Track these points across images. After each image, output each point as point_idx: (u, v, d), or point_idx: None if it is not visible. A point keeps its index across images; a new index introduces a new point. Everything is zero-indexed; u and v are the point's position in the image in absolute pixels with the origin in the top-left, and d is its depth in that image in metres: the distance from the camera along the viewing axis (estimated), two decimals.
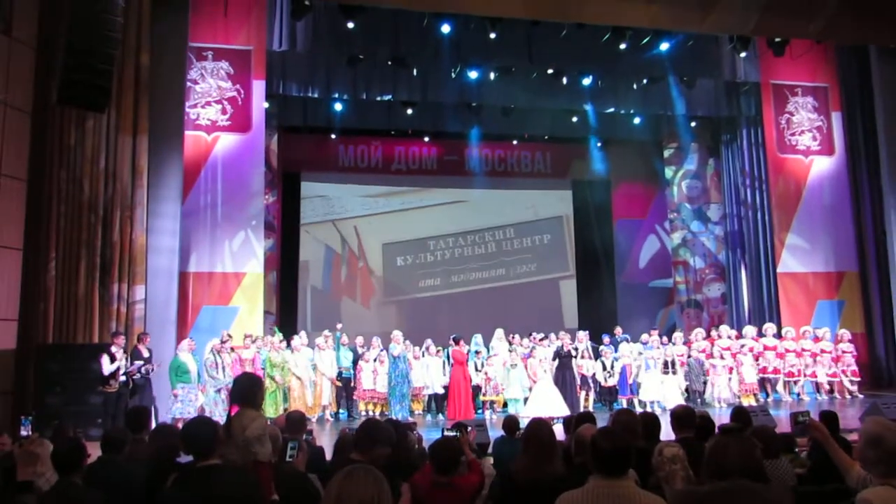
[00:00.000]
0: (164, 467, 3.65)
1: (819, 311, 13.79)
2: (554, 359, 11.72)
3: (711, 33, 12.70)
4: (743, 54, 13.36)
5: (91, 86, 7.50)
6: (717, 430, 4.01)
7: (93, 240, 10.00)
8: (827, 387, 12.69)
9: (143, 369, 9.46)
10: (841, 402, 12.23)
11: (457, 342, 11.90)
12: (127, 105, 10.35)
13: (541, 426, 3.97)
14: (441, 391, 11.76)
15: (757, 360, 12.55)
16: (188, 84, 11.54)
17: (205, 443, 3.02)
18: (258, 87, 12.18)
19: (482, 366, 11.77)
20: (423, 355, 11.89)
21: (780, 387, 12.68)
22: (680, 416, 4.63)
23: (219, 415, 9.90)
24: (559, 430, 5.29)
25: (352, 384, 11.69)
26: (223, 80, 12.02)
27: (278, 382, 10.91)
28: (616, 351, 12.41)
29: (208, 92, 11.96)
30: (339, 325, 12.26)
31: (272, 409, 10.52)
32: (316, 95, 13.56)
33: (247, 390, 3.91)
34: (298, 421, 5.02)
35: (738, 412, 5.17)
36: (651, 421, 4.76)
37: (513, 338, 12.51)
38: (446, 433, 4.58)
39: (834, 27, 11.77)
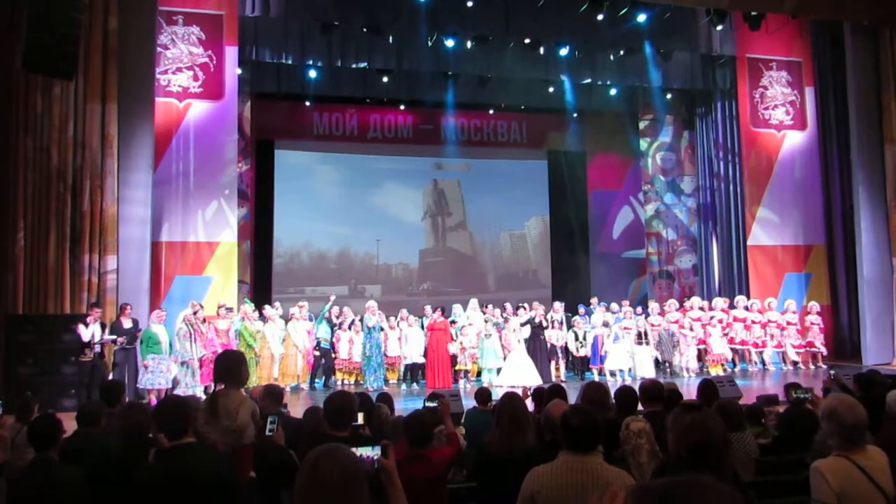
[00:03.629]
0: (135, 444, 3.65)
1: (787, 284, 14.08)
2: (525, 323, 11.85)
3: (688, 6, 12.70)
4: (719, 28, 13.38)
5: (57, 52, 7.32)
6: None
7: (62, 209, 9.84)
8: (792, 357, 13.01)
9: (117, 341, 9.39)
10: (805, 372, 12.55)
11: (434, 311, 12.00)
12: (95, 71, 10.12)
13: (513, 400, 4.03)
14: (420, 360, 11.84)
15: (725, 331, 12.80)
16: (158, 49, 11.30)
17: (177, 422, 3.03)
18: (230, 54, 11.96)
19: (457, 335, 11.89)
20: (399, 325, 11.94)
21: (748, 357, 12.96)
22: (648, 390, 4.72)
23: (185, 384, 9.91)
24: (531, 403, 5.38)
25: (332, 354, 11.72)
26: (194, 46, 11.77)
27: (255, 352, 10.90)
28: (590, 321, 12.59)
29: (179, 58, 11.72)
30: (331, 297, 12.10)
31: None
32: (290, 62, 13.34)
33: (230, 369, 3.90)
34: (276, 394, 5.05)
35: (705, 385, 5.28)
36: (629, 394, 4.80)
37: (486, 308, 12.63)
38: (427, 405, 4.63)
39: (808, 3, 11.82)
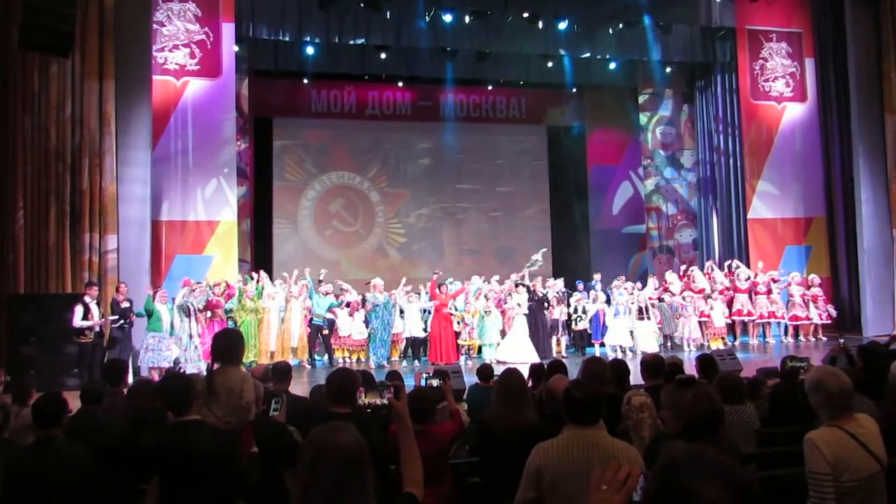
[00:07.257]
0: (144, 421, 3.68)
1: (787, 256, 14.10)
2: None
3: None
4: None
5: (53, 30, 7.25)
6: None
7: (61, 188, 9.84)
8: (793, 330, 13.07)
9: (119, 321, 9.41)
10: (806, 344, 12.61)
11: (438, 287, 11.99)
12: (92, 49, 10.06)
13: (513, 375, 4.06)
14: (421, 335, 11.86)
15: (729, 304, 12.82)
16: (154, 27, 11.21)
17: (181, 399, 3.05)
18: (227, 30, 11.87)
19: (457, 310, 11.91)
20: (398, 300, 11.94)
21: (749, 330, 13.01)
22: (649, 364, 4.75)
23: (187, 360, 9.92)
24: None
25: (327, 331, 11.70)
26: (191, 23, 11.67)
27: (252, 327, 10.89)
28: (588, 297, 12.60)
29: (176, 35, 11.62)
30: (321, 273, 12.06)
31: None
32: (287, 39, 13.21)
33: (227, 347, 3.93)
34: (284, 372, 5.08)
35: (704, 361, 5.30)
36: (621, 368, 4.89)
37: (486, 284, 12.63)
38: (429, 380, 4.65)
39: None
